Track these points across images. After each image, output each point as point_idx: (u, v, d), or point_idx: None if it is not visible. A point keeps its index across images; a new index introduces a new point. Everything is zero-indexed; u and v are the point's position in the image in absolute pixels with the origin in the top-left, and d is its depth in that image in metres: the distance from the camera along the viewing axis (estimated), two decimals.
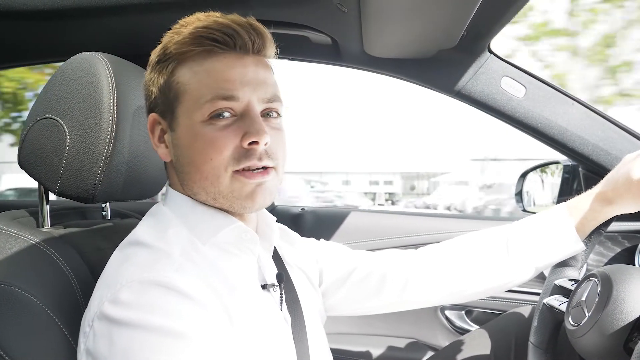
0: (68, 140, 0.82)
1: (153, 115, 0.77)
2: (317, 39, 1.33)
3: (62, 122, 0.82)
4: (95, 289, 0.67)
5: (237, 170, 0.71)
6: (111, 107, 0.82)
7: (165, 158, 0.77)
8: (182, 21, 0.74)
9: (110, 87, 0.83)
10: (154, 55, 0.76)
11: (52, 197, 0.89)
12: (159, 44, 0.77)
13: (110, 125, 0.82)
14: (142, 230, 0.73)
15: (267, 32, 0.75)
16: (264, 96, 0.73)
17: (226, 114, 0.70)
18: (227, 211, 0.76)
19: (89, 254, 0.83)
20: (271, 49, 0.77)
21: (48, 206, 0.89)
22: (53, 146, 0.82)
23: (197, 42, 0.70)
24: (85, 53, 0.87)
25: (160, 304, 0.60)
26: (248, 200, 0.73)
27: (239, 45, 0.72)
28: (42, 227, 0.88)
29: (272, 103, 0.74)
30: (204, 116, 0.70)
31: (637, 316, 0.72)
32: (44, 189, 0.87)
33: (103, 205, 1.05)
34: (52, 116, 0.83)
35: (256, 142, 0.70)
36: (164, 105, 0.74)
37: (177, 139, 0.74)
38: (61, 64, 0.88)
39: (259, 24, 0.74)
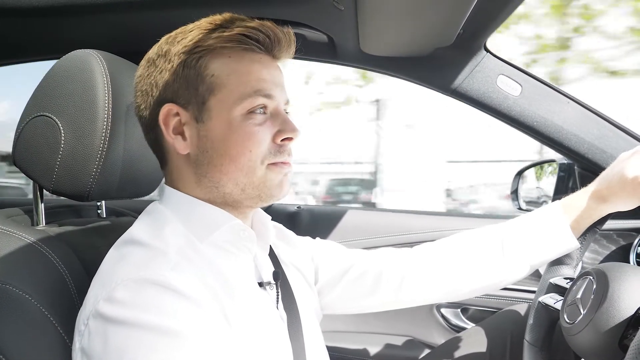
0: (63, 138, 0.81)
1: (169, 105, 0.74)
2: (313, 37, 1.33)
3: (56, 120, 0.82)
4: (90, 287, 0.67)
5: (272, 163, 0.75)
6: (106, 105, 0.82)
7: (182, 150, 0.75)
8: (210, 18, 0.75)
9: (106, 85, 0.82)
10: (180, 46, 0.74)
11: (47, 195, 0.88)
12: (156, 41, 0.77)
13: (105, 123, 0.82)
14: (138, 228, 0.73)
15: (294, 43, 0.80)
16: (285, 98, 0.79)
17: (260, 111, 0.74)
18: (231, 207, 0.77)
19: (84, 252, 0.82)
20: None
21: (43, 204, 0.88)
22: (48, 144, 0.82)
23: (240, 40, 0.73)
24: (80, 50, 0.86)
25: (155, 303, 0.60)
26: (277, 188, 0.77)
27: (274, 50, 0.77)
28: (37, 225, 0.88)
29: (287, 105, 0.80)
30: (243, 110, 0.73)
31: (632, 313, 0.72)
32: (39, 187, 0.87)
33: (98, 204, 1.05)
34: (47, 114, 0.83)
35: (290, 139, 0.76)
36: (190, 96, 0.74)
37: (209, 131, 0.73)
38: (56, 61, 0.87)
39: (290, 33, 0.78)
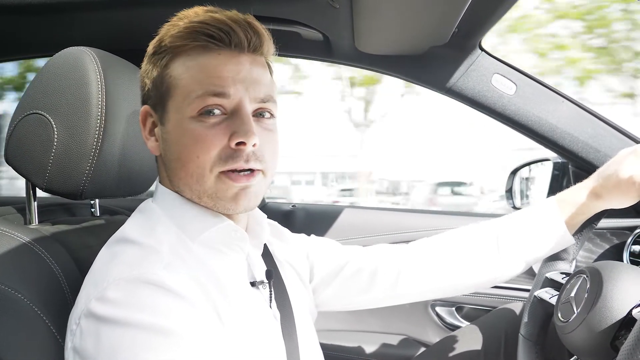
0: (56, 136, 0.81)
1: (145, 107, 0.76)
2: (309, 35, 1.33)
3: (49, 118, 0.81)
4: (82, 286, 0.66)
5: (223, 171, 0.70)
6: (99, 103, 0.81)
7: (155, 152, 0.76)
8: (180, 14, 0.73)
9: (99, 83, 0.82)
10: (151, 46, 0.75)
11: (40, 193, 0.87)
12: (152, 39, 0.76)
13: (98, 121, 0.81)
14: (131, 227, 0.73)
15: (265, 31, 0.74)
16: (257, 95, 0.72)
17: (216, 112, 0.69)
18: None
19: (77, 251, 0.82)
20: (269, 48, 0.76)
21: (36, 203, 0.88)
22: (40, 142, 0.81)
23: (192, 36, 0.69)
24: (74, 48, 0.86)
25: (148, 302, 0.60)
26: (232, 202, 0.72)
27: (234, 43, 0.70)
28: (30, 224, 0.87)
29: (265, 103, 0.73)
30: (193, 112, 0.69)
31: (625, 314, 0.72)
32: (32, 185, 0.86)
33: (92, 202, 1.04)
34: (40, 111, 0.82)
35: (243, 143, 0.68)
36: (156, 98, 0.73)
37: (166, 134, 0.73)
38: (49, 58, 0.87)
39: (257, 23, 0.73)
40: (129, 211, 0.98)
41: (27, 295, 0.69)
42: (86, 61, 0.83)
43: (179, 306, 0.61)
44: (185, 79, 0.70)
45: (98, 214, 1.05)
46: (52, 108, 0.82)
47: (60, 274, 0.75)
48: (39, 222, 0.88)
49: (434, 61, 1.34)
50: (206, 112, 0.69)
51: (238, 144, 0.68)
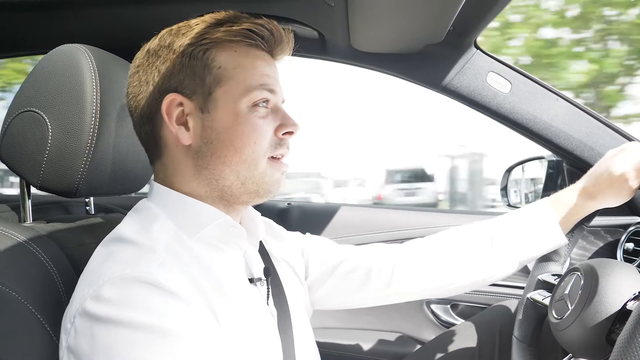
0: (50, 134, 0.81)
1: (173, 95, 0.74)
2: (304, 33, 1.33)
3: (44, 116, 0.81)
4: (77, 285, 0.66)
5: (271, 157, 0.77)
6: (94, 101, 0.81)
7: (185, 141, 0.74)
8: (216, 14, 0.77)
9: (94, 80, 0.82)
10: (185, 38, 0.75)
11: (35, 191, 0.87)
12: (146, 36, 0.77)
13: (93, 119, 0.81)
14: (126, 226, 0.73)
15: (292, 42, 0.82)
16: (283, 96, 0.81)
17: (264, 105, 0.76)
18: (226, 201, 0.77)
19: (72, 249, 0.81)
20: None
21: (30, 201, 0.87)
22: (35, 140, 0.81)
23: (248, 35, 0.75)
24: (68, 45, 0.85)
25: (142, 301, 0.59)
26: (275, 185, 0.79)
27: (275, 49, 0.79)
28: (24, 222, 0.87)
29: (284, 104, 0.82)
30: (249, 102, 0.74)
31: (619, 308, 0.73)
32: (26, 183, 0.86)
33: (87, 200, 1.04)
34: (34, 109, 0.82)
35: (291, 133, 0.79)
36: (196, 86, 0.74)
37: (214, 121, 0.74)
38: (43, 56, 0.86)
39: (290, 35, 0.81)
40: (124, 209, 0.98)
41: (21, 294, 0.69)
42: (81, 58, 0.82)
43: (174, 305, 0.61)
44: (240, 72, 0.74)
45: (93, 212, 1.04)
46: (47, 106, 0.81)
47: (54, 273, 0.75)
48: (33, 220, 0.88)
49: (429, 59, 1.34)
50: (258, 105, 0.75)
51: (286, 133, 0.78)
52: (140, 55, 0.78)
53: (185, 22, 0.77)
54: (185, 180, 0.76)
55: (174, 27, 0.77)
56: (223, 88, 0.74)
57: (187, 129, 0.74)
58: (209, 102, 0.74)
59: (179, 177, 0.76)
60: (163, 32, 0.77)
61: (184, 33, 0.75)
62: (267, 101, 0.76)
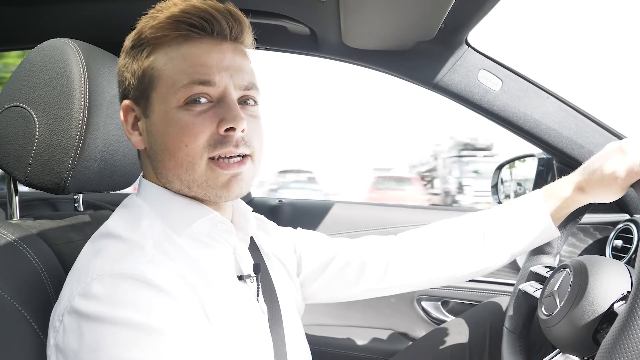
0: (37, 130, 0.79)
1: (126, 102, 0.75)
2: (295, 29, 1.32)
3: (31, 111, 0.80)
4: (65, 282, 0.65)
5: (213, 158, 0.70)
6: (82, 96, 0.80)
7: (139, 146, 0.75)
8: (158, 6, 0.72)
9: (82, 75, 0.80)
10: (129, 40, 0.74)
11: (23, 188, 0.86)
12: (133, 28, 0.75)
13: (81, 115, 0.80)
14: (115, 222, 0.72)
15: (245, 20, 0.74)
16: (241, 83, 0.72)
17: (202, 100, 0.69)
18: (202, 201, 0.75)
19: (60, 247, 0.80)
20: (249, 36, 0.76)
21: (17, 197, 0.86)
22: (22, 135, 0.80)
23: (174, 26, 0.69)
24: (56, 39, 0.84)
25: (131, 298, 0.59)
26: (223, 189, 0.72)
27: (216, 31, 0.71)
28: (11, 219, 0.86)
29: (249, 90, 0.74)
30: (179, 101, 0.69)
31: (606, 308, 0.74)
32: (13, 179, 0.84)
33: (75, 197, 1.03)
34: (21, 104, 0.80)
35: (232, 129, 0.69)
36: (138, 91, 0.73)
37: (152, 126, 0.72)
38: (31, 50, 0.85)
39: (237, 11, 0.73)
40: (113, 206, 0.97)
41: (8, 292, 0.68)
42: (69, 53, 0.81)
43: (162, 302, 0.60)
44: (169, 69, 0.69)
45: (82, 209, 1.03)
46: (34, 101, 0.80)
47: (42, 270, 0.74)
48: (20, 217, 0.87)
49: (420, 57, 1.34)
50: (192, 101, 0.69)
51: (227, 129, 0.69)
52: (120, 56, 0.77)
53: (143, 17, 0.73)
54: (155, 180, 0.76)
55: (138, 23, 0.74)
56: (156, 90, 0.71)
57: (140, 133, 0.74)
58: (147, 106, 0.72)
59: (152, 177, 0.77)
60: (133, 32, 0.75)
61: (135, 32, 0.73)
62: (206, 94, 0.69)
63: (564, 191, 0.95)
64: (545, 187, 0.99)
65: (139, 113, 0.74)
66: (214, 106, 0.70)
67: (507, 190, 1.64)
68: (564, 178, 0.97)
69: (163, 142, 0.71)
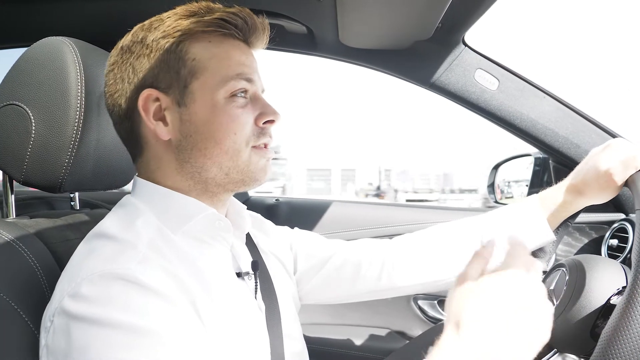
0: (34, 128, 0.79)
1: (150, 90, 0.73)
2: (293, 28, 1.32)
3: (27, 109, 0.80)
4: (58, 281, 0.65)
5: (255, 146, 0.76)
6: (79, 94, 0.80)
7: (163, 136, 0.74)
8: (186, 6, 0.75)
9: (78, 73, 0.80)
10: (158, 32, 0.73)
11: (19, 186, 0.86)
12: (129, 29, 0.76)
13: (78, 113, 0.80)
14: (109, 221, 0.71)
15: (268, 33, 0.81)
16: (262, 86, 0.80)
17: (242, 95, 0.75)
18: (210, 193, 0.77)
19: (56, 245, 0.80)
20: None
21: (13, 196, 0.86)
22: (18, 134, 0.80)
23: (220, 24, 0.74)
24: (52, 37, 0.84)
25: (120, 299, 0.58)
26: (261, 172, 0.78)
27: (251, 37, 0.78)
28: (7, 217, 0.85)
29: (264, 93, 0.81)
30: (227, 93, 0.73)
31: (603, 302, 0.74)
32: (9, 178, 0.84)
33: (71, 195, 1.03)
34: (17, 102, 0.80)
35: (272, 121, 0.77)
36: (171, 80, 0.73)
37: (191, 114, 0.73)
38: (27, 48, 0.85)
39: (267, 23, 0.80)
40: (110, 205, 0.97)
41: (3, 290, 0.67)
42: (65, 51, 0.81)
43: (152, 303, 0.60)
44: (215, 63, 0.73)
45: (78, 208, 1.03)
46: (30, 99, 0.80)
47: (38, 269, 0.74)
48: (16, 216, 0.86)
49: (417, 56, 1.34)
50: (236, 95, 0.74)
51: (267, 122, 0.77)
52: (114, 52, 0.76)
53: (157, 16, 0.76)
54: (168, 174, 0.75)
55: (146, 22, 0.76)
56: (199, 80, 0.73)
57: (166, 124, 0.74)
58: (185, 95, 0.73)
59: (161, 172, 0.76)
60: (136, 27, 0.76)
61: (156, 27, 0.73)
62: (245, 91, 0.75)
63: (560, 195, 0.96)
64: (542, 193, 0.99)
65: (169, 102, 0.73)
66: (249, 102, 0.76)
67: (504, 190, 1.65)
68: (559, 183, 0.97)
69: (208, 130, 0.73)
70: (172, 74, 0.73)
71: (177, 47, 0.73)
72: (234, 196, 0.84)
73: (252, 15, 0.76)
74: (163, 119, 0.74)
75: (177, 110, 0.73)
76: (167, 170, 0.75)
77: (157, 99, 0.73)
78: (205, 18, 0.73)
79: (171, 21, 0.73)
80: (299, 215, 1.75)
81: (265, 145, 0.78)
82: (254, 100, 0.77)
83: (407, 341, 1.53)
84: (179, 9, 0.75)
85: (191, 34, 0.73)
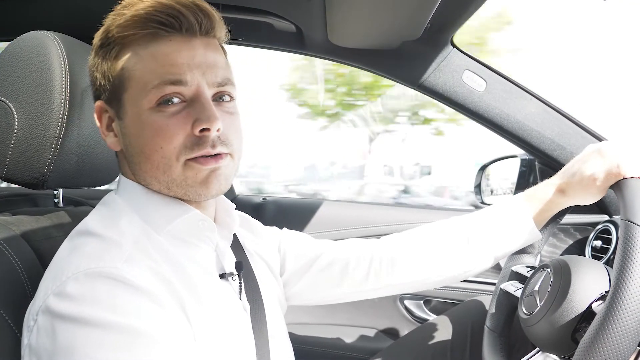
0: (16, 123, 0.78)
1: (99, 103, 0.72)
2: (281, 26, 1.32)
3: (9, 104, 0.78)
4: (41, 280, 0.64)
5: (190, 159, 0.68)
6: (63, 90, 0.79)
7: (115, 147, 0.73)
8: (124, 2, 0.69)
9: (62, 68, 0.79)
10: (97, 38, 0.71)
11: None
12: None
13: (62, 108, 0.79)
14: (93, 219, 0.70)
15: (215, 13, 0.71)
16: (215, 80, 0.70)
17: (175, 100, 0.67)
18: (182, 199, 0.74)
19: (38, 243, 0.79)
20: (221, 30, 0.73)
21: None
22: (0, 129, 0.78)
23: (140, 24, 0.66)
24: (36, 32, 0.82)
25: (106, 298, 0.57)
26: (202, 187, 0.70)
27: (185, 27, 0.68)
28: None
29: (224, 86, 0.71)
30: (151, 103, 0.66)
31: (585, 308, 0.75)
32: None
33: (55, 193, 1.01)
34: (0, 97, 0.79)
35: (207, 129, 0.67)
36: (110, 92, 0.70)
37: (125, 128, 0.70)
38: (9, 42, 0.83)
39: (205, 4, 0.70)
40: (94, 202, 0.95)
41: None
42: (49, 46, 0.80)
43: (139, 302, 0.59)
44: (139, 69, 0.67)
45: (62, 205, 1.01)
46: (13, 94, 0.79)
47: (20, 267, 0.73)
48: None
49: (406, 56, 1.35)
50: (164, 102, 0.67)
51: (202, 130, 0.67)
52: (92, 54, 0.74)
53: (109, 14, 0.70)
54: (136, 179, 0.74)
55: (105, 21, 0.71)
56: (127, 92, 0.68)
57: (115, 135, 0.73)
58: (120, 108, 0.70)
59: (130, 176, 0.75)
60: (101, 29, 0.71)
61: (102, 30, 0.70)
62: (179, 94, 0.67)
63: (545, 194, 0.96)
64: (527, 191, 1.00)
65: (113, 114, 0.72)
66: (187, 106, 0.68)
67: (490, 191, 1.66)
68: (546, 181, 0.98)
69: (138, 144, 0.69)
70: (109, 86, 0.70)
71: (109, 54, 0.69)
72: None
73: (181, 3, 0.67)
74: (113, 130, 0.73)
75: (118, 123, 0.72)
76: (129, 176, 0.75)
77: (107, 110, 0.72)
78: (121, 20, 0.67)
79: (106, 24, 0.70)
80: (287, 214, 1.74)
81: (204, 157, 0.68)
82: (192, 102, 0.68)
83: (394, 341, 1.54)
84: (118, 7, 0.69)
85: (118, 40, 0.68)
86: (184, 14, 0.67)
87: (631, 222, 0.71)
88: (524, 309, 0.86)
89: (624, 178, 0.82)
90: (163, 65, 0.66)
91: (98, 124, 0.73)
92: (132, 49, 0.68)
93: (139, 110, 0.67)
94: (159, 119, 0.66)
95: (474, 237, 0.99)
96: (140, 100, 0.67)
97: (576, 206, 0.96)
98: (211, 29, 0.71)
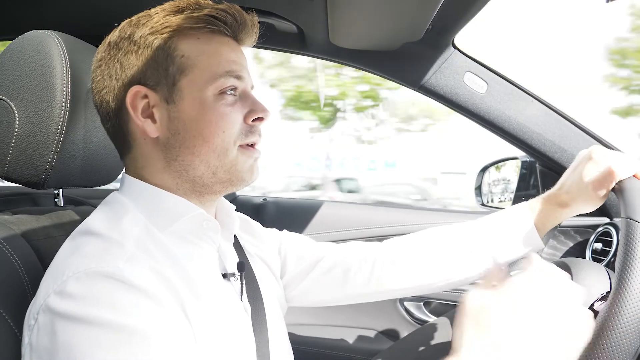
0: (17, 123, 0.78)
1: (137, 87, 0.72)
2: (283, 27, 1.32)
3: (10, 103, 0.78)
4: (42, 279, 0.64)
5: (242, 145, 0.75)
6: (64, 89, 0.79)
7: (152, 133, 0.73)
8: (174, 2, 0.74)
9: (64, 68, 0.79)
10: (146, 28, 0.73)
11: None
12: (118, 24, 0.75)
13: (63, 108, 0.78)
14: (95, 219, 0.70)
15: (257, 31, 0.80)
16: (251, 82, 0.79)
17: (231, 92, 0.74)
18: (198, 193, 0.76)
19: (38, 243, 0.79)
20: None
21: None
22: (0, 128, 0.78)
23: (209, 21, 0.73)
24: (37, 31, 0.82)
25: (107, 297, 0.57)
26: (248, 172, 0.77)
27: (241, 34, 0.78)
28: None
29: (253, 90, 0.80)
30: (215, 90, 0.72)
31: (587, 308, 0.74)
32: None
33: (56, 192, 1.01)
34: (1, 96, 0.79)
35: (261, 119, 0.77)
36: (159, 77, 0.72)
37: (180, 112, 0.72)
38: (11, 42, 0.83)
39: (257, 20, 0.79)
40: (94, 201, 0.95)
41: None
42: (51, 45, 0.80)
43: (140, 302, 0.59)
44: (204, 59, 0.73)
45: (62, 205, 1.01)
46: (14, 93, 0.78)
47: (20, 266, 0.73)
48: None
49: (407, 57, 1.35)
50: (225, 92, 0.74)
51: (256, 119, 0.76)
52: (101, 48, 0.75)
53: (145, 11, 0.75)
54: (156, 172, 0.74)
55: (134, 17, 0.75)
56: (187, 77, 0.72)
57: (154, 121, 0.73)
58: (173, 92, 0.72)
59: (149, 170, 0.75)
60: (123, 23, 0.75)
61: (144, 23, 0.73)
62: (234, 88, 0.75)
63: (547, 207, 0.97)
64: (530, 202, 1.00)
65: (157, 99, 0.72)
66: (239, 99, 0.76)
67: (490, 193, 1.66)
68: (547, 193, 0.99)
69: (197, 127, 0.72)
70: (160, 71, 0.72)
71: (166, 43, 0.72)
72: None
73: (242, 12, 0.76)
74: (151, 116, 0.73)
75: (166, 108, 0.72)
76: (155, 168, 0.75)
77: (146, 96, 0.72)
78: (194, 14, 0.72)
79: (159, 17, 0.72)
80: (287, 215, 1.74)
81: (254, 145, 0.77)
82: (243, 97, 0.76)
83: (393, 342, 1.54)
84: (167, 5, 0.74)
85: (180, 31, 0.72)
86: (246, 24, 0.77)
87: (632, 219, 0.71)
88: None
89: (621, 180, 0.83)
90: (227, 61, 0.74)
91: (131, 111, 0.72)
92: (192, 41, 0.73)
93: (202, 95, 0.72)
94: (221, 106, 0.73)
95: (477, 244, 0.99)
96: (205, 86, 0.72)
97: None
98: (249, 41, 0.81)
